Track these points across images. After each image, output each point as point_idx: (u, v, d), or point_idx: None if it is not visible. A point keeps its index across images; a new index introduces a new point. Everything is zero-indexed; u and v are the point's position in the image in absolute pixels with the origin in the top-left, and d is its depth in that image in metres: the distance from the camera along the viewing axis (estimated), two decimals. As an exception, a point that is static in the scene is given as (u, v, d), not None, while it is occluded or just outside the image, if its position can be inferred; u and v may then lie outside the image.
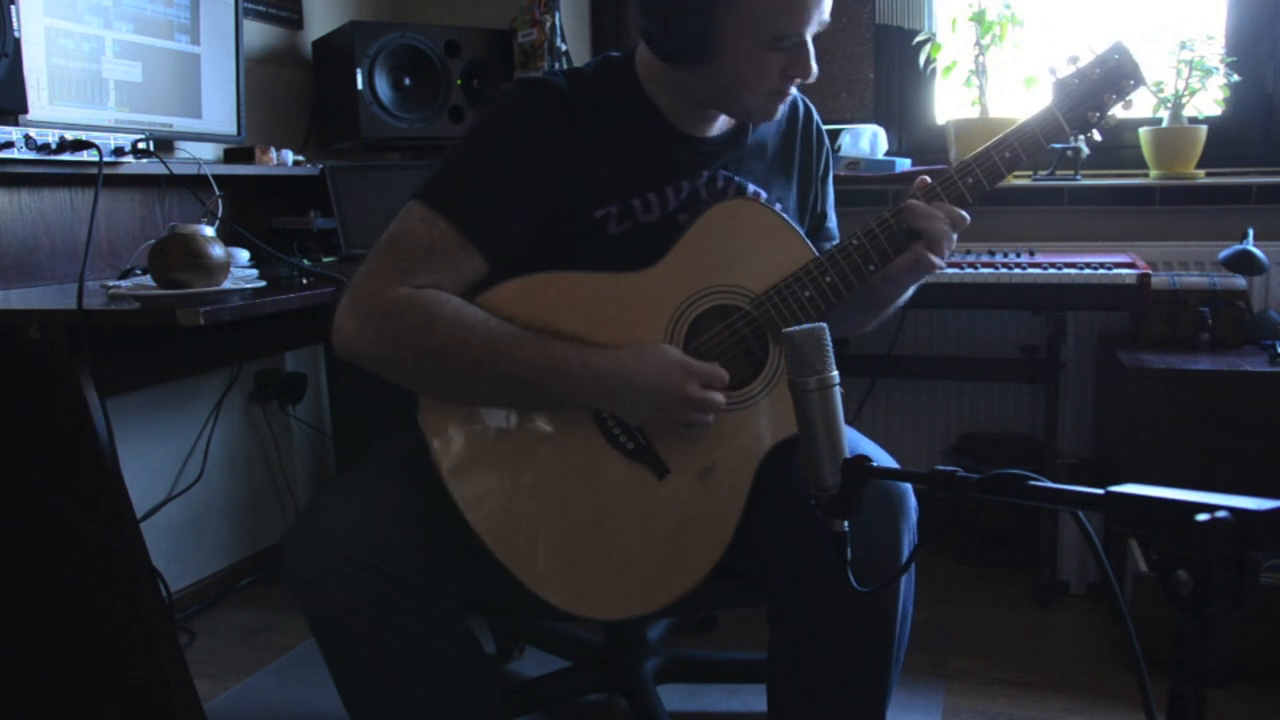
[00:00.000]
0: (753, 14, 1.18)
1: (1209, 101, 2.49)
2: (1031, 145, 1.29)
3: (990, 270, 2.21)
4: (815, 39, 1.23)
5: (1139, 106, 2.49)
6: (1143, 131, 2.47)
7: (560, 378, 1.20)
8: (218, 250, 1.63)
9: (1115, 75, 1.28)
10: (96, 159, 1.83)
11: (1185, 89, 2.43)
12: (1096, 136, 1.31)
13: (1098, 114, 1.28)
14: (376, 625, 1.18)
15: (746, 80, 1.24)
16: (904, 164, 2.54)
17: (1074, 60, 1.29)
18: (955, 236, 1.29)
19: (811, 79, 1.25)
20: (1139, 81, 1.27)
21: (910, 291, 1.38)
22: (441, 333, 1.18)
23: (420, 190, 1.25)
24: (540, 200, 1.26)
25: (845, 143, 2.61)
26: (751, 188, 1.38)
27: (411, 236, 1.23)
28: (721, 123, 1.38)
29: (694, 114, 1.34)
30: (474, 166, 1.27)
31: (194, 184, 2.11)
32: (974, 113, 2.61)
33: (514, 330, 1.21)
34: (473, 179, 1.26)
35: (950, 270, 2.20)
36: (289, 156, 2.44)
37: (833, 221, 1.53)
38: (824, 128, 1.49)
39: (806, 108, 1.47)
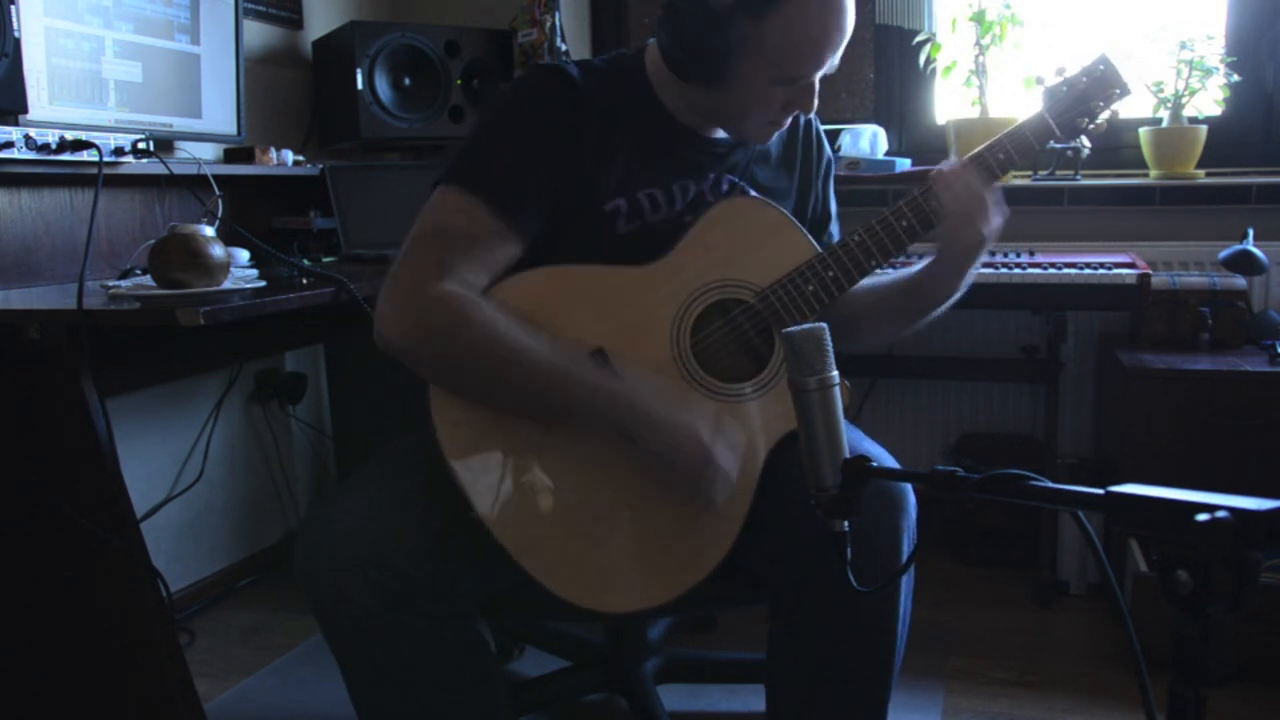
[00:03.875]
0: (771, 55, 1.21)
1: (1209, 101, 2.49)
2: (1024, 148, 1.33)
3: (990, 270, 2.21)
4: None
5: (1139, 107, 2.51)
6: (1143, 131, 2.47)
7: (579, 405, 1.20)
8: (218, 250, 1.63)
9: (1101, 84, 1.33)
10: (96, 159, 1.83)
11: (1185, 89, 2.43)
12: (1086, 142, 1.35)
13: (1087, 120, 1.33)
14: (388, 625, 1.19)
15: (749, 108, 1.28)
16: (904, 164, 2.54)
17: (1061, 71, 1.35)
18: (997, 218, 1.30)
19: (810, 115, 1.31)
20: (1124, 91, 1.33)
21: (961, 290, 1.37)
22: (469, 337, 1.19)
23: (451, 175, 1.26)
24: (555, 181, 1.27)
25: (845, 143, 2.61)
26: (753, 193, 1.39)
27: (453, 228, 1.24)
28: None
29: (699, 117, 1.36)
30: (500, 147, 1.28)
31: (194, 184, 2.10)
32: (974, 113, 2.61)
33: (541, 347, 1.20)
34: (501, 159, 1.27)
35: (950, 270, 2.20)
36: (289, 156, 2.44)
37: (835, 226, 1.53)
38: (823, 130, 1.51)
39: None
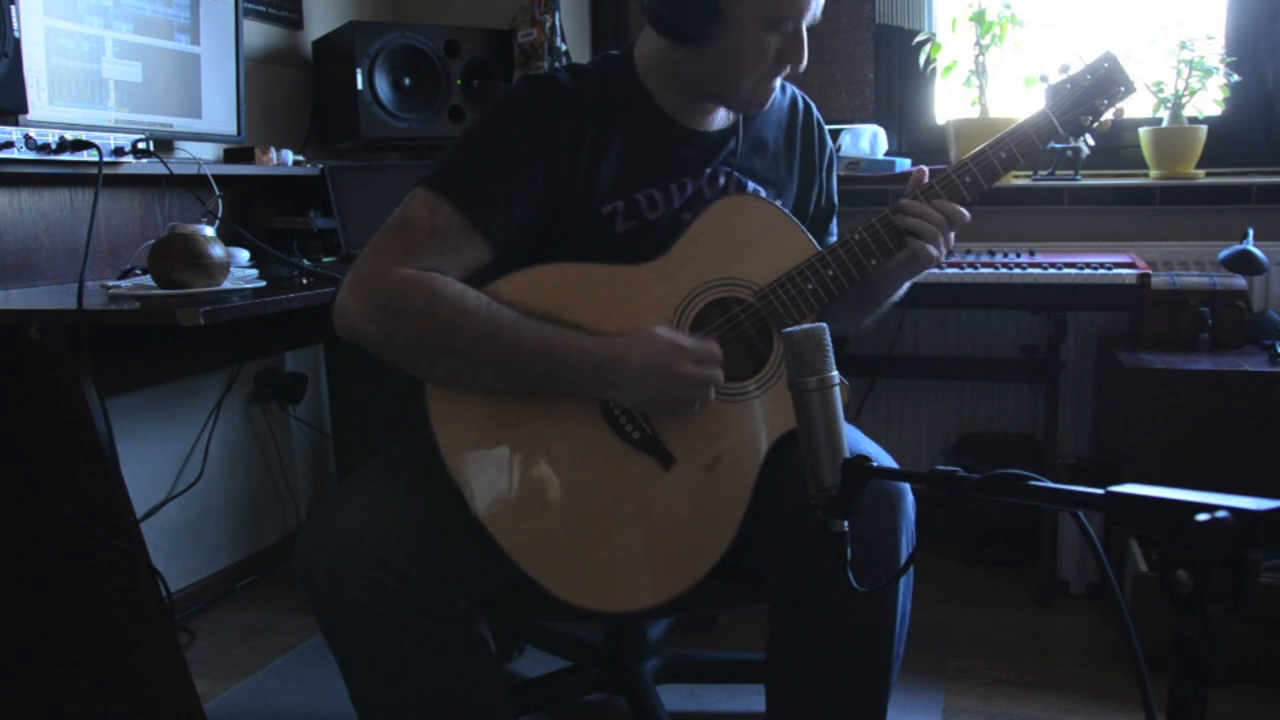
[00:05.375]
0: None
1: (1209, 101, 2.49)
2: (1027, 146, 1.33)
3: (990, 270, 2.21)
4: (810, 35, 1.29)
5: (1139, 107, 2.51)
6: (1143, 131, 2.47)
7: (558, 364, 1.21)
8: (218, 250, 1.63)
9: (1106, 82, 1.32)
10: (96, 159, 1.83)
11: (1185, 89, 2.43)
12: (1090, 140, 1.35)
13: (1090, 118, 1.33)
14: (389, 625, 1.19)
15: (744, 62, 1.27)
16: (904, 164, 2.54)
17: (1065, 69, 1.34)
18: (953, 233, 1.31)
19: (802, 67, 1.30)
20: (1129, 89, 1.32)
21: (905, 287, 1.40)
22: (443, 314, 1.19)
23: (425, 176, 1.27)
24: (543, 190, 1.28)
25: (845, 143, 2.61)
26: (751, 185, 1.40)
27: (416, 219, 1.24)
28: (720, 117, 1.40)
29: (693, 107, 1.36)
30: (478, 154, 1.29)
31: (194, 184, 2.11)
32: (974, 113, 2.61)
33: (515, 315, 1.22)
34: (477, 166, 1.28)
35: (950, 270, 2.20)
36: (289, 156, 2.44)
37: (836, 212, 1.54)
38: (825, 125, 1.52)
39: (806, 104, 1.50)
